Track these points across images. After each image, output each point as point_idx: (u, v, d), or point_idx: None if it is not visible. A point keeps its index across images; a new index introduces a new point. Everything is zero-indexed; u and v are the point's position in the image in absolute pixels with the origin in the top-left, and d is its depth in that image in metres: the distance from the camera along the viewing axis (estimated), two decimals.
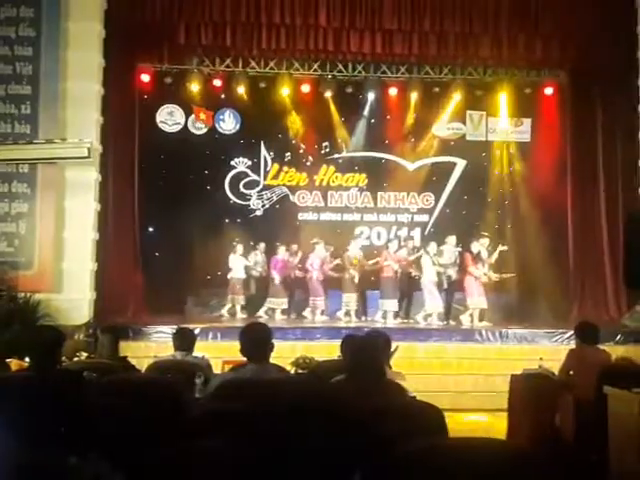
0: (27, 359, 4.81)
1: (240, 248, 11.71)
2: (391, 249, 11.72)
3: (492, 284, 11.40)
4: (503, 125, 12.69)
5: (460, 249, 11.42)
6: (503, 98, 12.36)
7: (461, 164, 12.91)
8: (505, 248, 11.34)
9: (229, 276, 11.61)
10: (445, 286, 11.37)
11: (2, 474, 2.07)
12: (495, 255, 11.22)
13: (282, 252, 11.72)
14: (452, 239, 11.53)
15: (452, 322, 11.15)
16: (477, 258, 11.11)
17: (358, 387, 3.22)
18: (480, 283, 11.05)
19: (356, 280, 11.52)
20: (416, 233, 12.84)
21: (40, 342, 3.81)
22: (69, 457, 2.21)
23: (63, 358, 4.56)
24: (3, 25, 9.51)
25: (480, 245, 11.22)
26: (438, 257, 11.34)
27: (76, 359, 5.72)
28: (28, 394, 3.02)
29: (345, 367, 3.81)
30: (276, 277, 11.60)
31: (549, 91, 12.31)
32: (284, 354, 5.84)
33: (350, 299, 11.49)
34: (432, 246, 11.57)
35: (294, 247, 11.89)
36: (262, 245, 11.94)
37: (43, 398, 3.07)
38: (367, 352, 3.61)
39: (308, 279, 11.66)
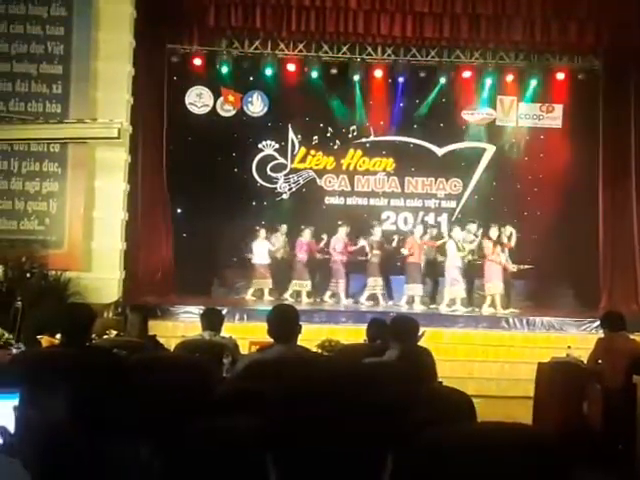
0: (58, 336, 4.88)
1: (263, 233, 11.72)
2: (416, 235, 11.66)
3: (518, 271, 11.30)
4: (534, 111, 12.52)
5: (480, 235, 11.33)
6: (535, 83, 12.17)
7: (490, 150, 12.77)
8: (513, 230, 11.16)
9: (253, 261, 11.65)
10: (467, 272, 11.30)
11: (39, 448, 2.10)
12: (513, 240, 11.09)
13: (307, 235, 11.72)
14: (473, 226, 11.46)
15: (476, 309, 11.08)
16: (497, 243, 11.01)
17: (406, 371, 3.22)
18: (499, 269, 10.95)
19: (378, 262, 11.49)
20: (443, 219, 12.76)
21: (72, 319, 3.86)
22: (103, 436, 2.24)
23: (93, 335, 4.62)
24: (35, 4, 9.59)
25: (500, 231, 11.11)
26: (464, 243, 11.28)
27: (106, 337, 5.80)
28: (60, 370, 3.07)
29: (394, 349, 3.80)
30: (301, 259, 11.62)
31: (581, 76, 12.09)
32: (309, 337, 5.86)
33: (375, 283, 11.48)
34: (457, 231, 11.51)
35: (321, 235, 11.85)
36: (284, 227, 11.94)
37: (74, 374, 3.12)
38: (415, 336, 3.63)
39: (332, 262, 11.67)
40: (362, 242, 11.72)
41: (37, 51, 9.60)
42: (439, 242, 11.66)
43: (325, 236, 11.86)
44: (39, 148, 9.59)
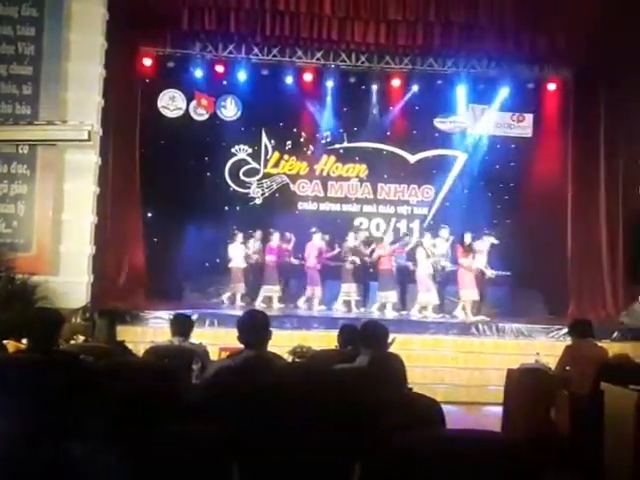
0: (24, 341, 4.79)
1: (240, 237, 11.68)
2: (386, 241, 11.69)
3: (489, 278, 11.41)
4: (505, 120, 12.67)
5: (451, 241, 11.42)
6: (506, 92, 12.33)
7: (462, 158, 12.91)
8: (496, 241, 11.28)
9: (230, 265, 11.59)
10: (439, 278, 11.39)
11: (3, 450, 2.07)
12: (487, 247, 11.19)
13: (276, 239, 11.68)
14: (445, 232, 11.54)
15: (447, 315, 11.15)
16: (469, 251, 11.09)
17: (376, 377, 3.22)
18: (473, 276, 11.05)
19: (356, 271, 11.51)
20: (415, 225, 12.84)
21: (39, 324, 3.79)
22: (69, 442, 2.21)
23: (60, 341, 4.54)
24: (6, 5, 9.43)
25: (473, 238, 11.20)
26: (432, 249, 11.35)
27: (73, 342, 5.72)
28: (26, 376, 3.01)
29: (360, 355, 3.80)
30: (270, 264, 11.57)
31: (552, 87, 12.27)
32: (281, 343, 5.83)
33: (350, 289, 11.48)
34: (427, 238, 11.58)
35: (287, 234, 11.85)
36: (259, 233, 11.90)
37: (41, 380, 3.06)
38: (385, 342, 3.63)
39: (305, 268, 11.65)
40: (337, 249, 11.72)
41: (7, 52, 9.43)
42: (407, 248, 11.72)
43: (293, 239, 11.82)
44: (8, 150, 9.42)
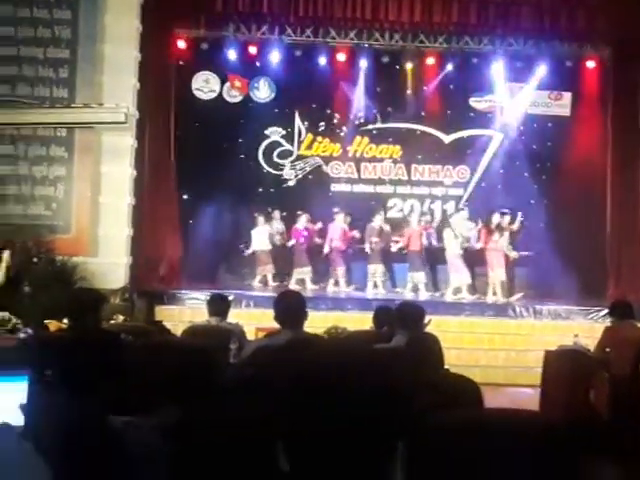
0: (65, 321, 4.89)
1: (261, 220, 11.68)
2: (414, 223, 11.61)
3: (524, 259, 11.28)
4: (542, 98, 12.43)
5: (480, 222, 11.29)
6: (543, 70, 12.08)
7: (498, 137, 12.71)
8: (521, 219, 11.11)
9: (253, 250, 11.63)
10: (468, 259, 11.28)
11: (49, 430, 2.11)
12: (516, 225, 11.06)
13: (303, 221, 11.65)
14: (472, 213, 11.43)
15: (482, 296, 11.05)
16: (496, 230, 10.97)
17: (414, 357, 3.22)
18: (500, 256, 10.93)
19: (378, 250, 11.46)
20: (450, 207, 12.71)
21: (80, 303, 3.86)
22: (113, 419, 2.24)
23: (100, 320, 4.62)
24: None
25: (499, 217, 11.07)
26: (461, 230, 11.24)
27: (113, 322, 5.81)
28: (68, 353, 3.06)
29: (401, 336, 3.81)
30: (300, 246, 11.58)
31: (591, 64, 11.99)
32: (315, 324, 5.85)
33: (376, 270, 11.46)
34: (455, 219, 11.47)
35: (319, 223, 11.77)
36: (277, 212, 11.89)
37: (82, 357, 3.12)
38: (421, 323, 3.63)
39: (329, 249, 11.62)
40: (356, 232, 11.63)
41: (44, 35, 9.56)
42: (434, 224, 11.64)
43: (320, 222, 11.79)
44: (46, 133, 9.57)
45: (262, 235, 11.63)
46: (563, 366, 5.83)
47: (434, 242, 11.61)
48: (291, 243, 11.56)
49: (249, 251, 11.66)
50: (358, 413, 1.44)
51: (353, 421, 1.41)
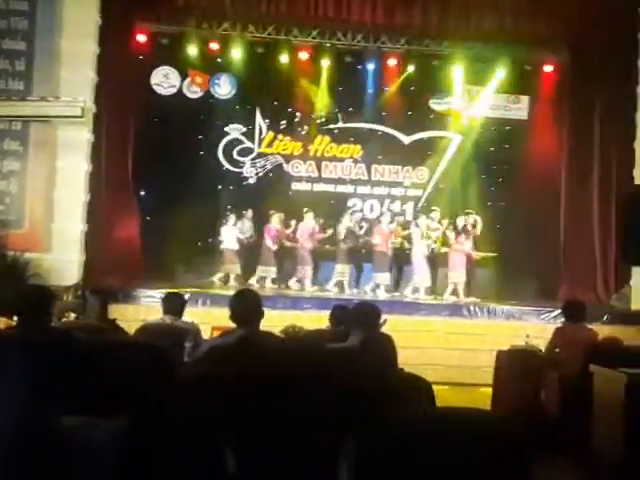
0: (15, 318, 4.78)
1: (232, 218, 11.65)
2: (383, 223, 11.70)
3: (481, 260, 11.47)
4: (501, 101, 12.63)
5: (445, 224, 11.46)
6: (502, 74, 12.27)
7: (457, 139, 12.87)
8: (479, 222, 11.28)
9: (222, 247, 11.58)
10: (431, 261, 11.45)
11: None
12: (478, 229, 11.25)
13: (276, 221, 11.66)
14: (436, 214, 11.58)
15: (439, 297, 11.22)
16: (461, 232, 11.16)
17: (367, 356, 3.24)
18: (463, 258, 11.11)
19: (351, 252, 11.56)
20: (409, 207, 12.83)
21: (31, 300, 3.78)
22: (62, 417, 2.21)
23: (52, 318, 4.53)
24: None
25: (464, 220, 11.27)
26: (428, 231, 11.40)
27: (64, 320, 5.71)
28: (19, 352, 3.00)
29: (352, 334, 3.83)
30: (269, 245, 11.57)
31: (549, 69, 12.23)
32: (273, 323, 5.84)
33: (344, 269, 11.52)
34: (422, 219, 11.61)
35: (292, 222, 11.82)
36: (249, 212, 11.87)
37: (34, 356, 3.06)
38: (377, 323, 3.65)
39: (297, 248, 11.65)
40: (330, 230, 11.72)
41: (0, 26, 9.34)
42: (404, 232, 11.76)
43: (293, 222, 11.84)
44: (0, 126, 9.36)
45: (231, 233, 11.57)
46: (514, 366, 5.94)
47: (401, 243, 11.71)
48: (267, 242, 11.52)
49: (221, 246, 11.55)
50: (307, 412, 1.45)
51: (301, 420, 1.42)
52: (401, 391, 2.91)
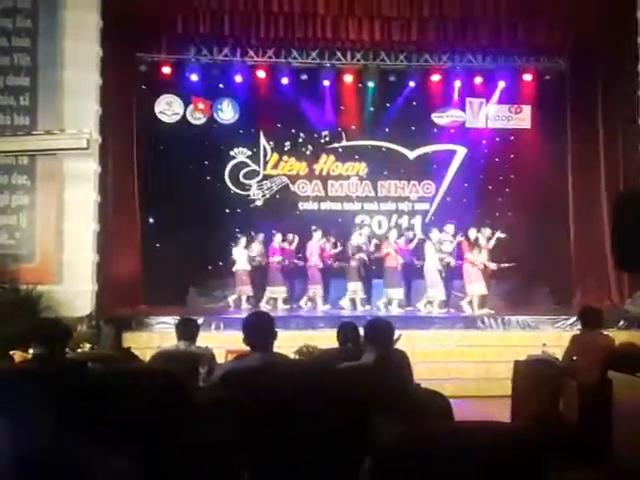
0: (31, 351, 4.80)
1: (243, 240, 11.70)
2: (391, 238, 11.69)
3: (493, 271, 11.41)
4: (503, 112, 12.66)
5: (458, 237, 11.43)
6: (503, 85, 12.32)
7: (461, 152, 12.89)
8: (503, 235, 11.32)
9: (234, 269, 11.62)
10: (445, 274, 11.40)
11: (11, 466, 2.06)
12: (493, 241, 11.22)
13: (278, 240, 11.70)
14: (450, 227, 11.57)
15: (452, 310, 11.17)
16: (475, 245, 11.13)
17: (382, 373, 3.23)
18: (478, 270, 11.08)
19: (362, 269, 11.55)
20: (417, 221, 12.83)
21: (49, 334, 3.80)
22: (78, 450, 2.21)
23: (67, 350, 4.55)
24: (0, 16, 9.45)
25: (478, 232, 11.24)
26: (440, 245, 11.37)
27: (79, 350, 5.72)
28: (37, 385, 3.01)
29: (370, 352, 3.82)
30: (274, 265, 11.58)
31: (548, 77, 12.26)
32: (286, 343, 5.83)
33: (356, 287, 11.50)
34: (434, 233, 11.60)
35: (290, 235, 11.88)
36: (261, 235, 11.91)
37: (49, 389, 3.07)
38: (391, 339, 3.64)
39: (307, 267, 11.65)
40: (339, 247, 11.72)
41: (3, 63, 9.46)
42: (412, 244, 11.73)
43: (296, 237, 11.83)
44: (7, 161, 9.44)
45: (242, 255, 11.61)
46: (532, 376, 5.89)
47: (414, 258, 11.69)
48: (271, 260, 11.56)
49: (234, 267, 11.59)
50: (324, 433, 1.45)
51: (318, 442, 1.42)
52: (418, 407, 2.90)
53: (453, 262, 11.38)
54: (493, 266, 11.24)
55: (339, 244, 11.82)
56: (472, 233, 11.25)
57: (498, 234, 11.29)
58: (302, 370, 1.65)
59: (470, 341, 9.48)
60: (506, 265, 11.55)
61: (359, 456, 1.48)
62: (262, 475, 1.47)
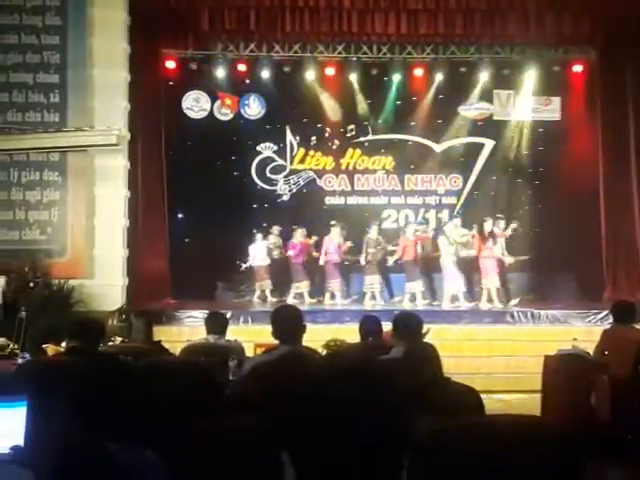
0: (63, 344, 4.88)
1: (259, 236, 11.73)
2: (408, 233, 11.62)
3: (517, 263, 11.30)
4: (532, 104, 12.50)
5: (474, 229, 11.32)
6: (531, 76, 12.17)
7: (489, 144, 12.76)
8: (516, 225, 11.18)
9: (252, 264, 11.66)
10: (463, 267, 11.31)
11: (47, 456, 2.10)
12: (508, 232, 11.11)
13: (299, 235, 11.69)
14: (466, 220, 11.49)
15: (478, 303, 11.08)
16: (490, 237, 11.03)
17: (413, 367, 3.21)
18: (494, 263, 10.97)
19: (379, 262, 11.50)
20: (444, 215, 12.74)
21: (86, 328, 3.88)
22: (110, 443, 2.24)
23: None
24: (30, 14, 9.60)
25: (493, 225, 11.13)
26: (455, 237, 11.28)
27: (111, 344, 5.80)
28: (68, 379, 3.06)
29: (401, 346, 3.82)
30: (296, 260, 11.60)
31: (578, 69, 12.08)
32: (314, 337, 5.84)
33: (373, 281, 11.46)
34: (449, 226, 11.52)
35: (309, 230, 11.82)
36: (277, 228, 11.91)
37: (83, 383, 3.11)
38: (420, 333, 3.63)
39: (325, 262, 11.64)
40: (349, 242, 11.66)
41: (33, 60, 9.61)
42: (429, 234, 11.67)
43: (316, 235, 11.83)
44: (38, 158, 9.60)
45: (260, 250, 11.65)
46: (563, 371, 5.82)
47: (429, 251, 11.62)
48: (294, 257, 11.56)
49: (247, 265, 11.65)
50: (363, 426, 1.45)
51: (357, 432, 1.42)
52: (450, 401, 2.89)
53: (469, 254, 11.26)
54: (509, 259, 11.13)
55: (357, 238, 11.73)
56: (487, 225, 11.14)
57: (513, 225, 11.17)
58: (332, 364, 1.65)
59: (499, 335, 9.41)
60: (521, 258, 11.41)
61: (399, 451, 1.48)
62: (303, 467, 1.46)
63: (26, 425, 2.39)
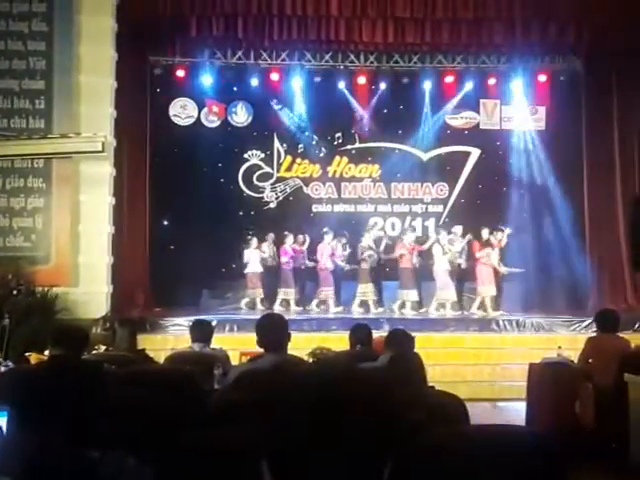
0: (47, 352, 4.84)
1: (254, 242, 11.71)
2: (406, 240, 11.65)
3: (507, 273, 11.35)
4: (517, 113, 12.59)
5: (468, 238, 11.36)
6: (517, 86, 12.26)
7: (475, 153, 12.83)
8: (509, 231, 11.23)
9: (246, 271, 11.62)
10: (456, 275, 11.34)
11: (26, 464, 2.08)
12: (504, 240, 11.16)
13: (290, 242, 11.69)
14: (459, 228, 11.51)
15: (465, 312, 11.11)
16: (486, 245, 11.07)
17: (396, 375, 3.22)
18: (491, 271, 11.00)
19: (373, 270, 11.52)
20: (430, 223, 12.78)
21: (70, 335, 3.84)
22: (91, 452, 2.22)
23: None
24: (16, 20, 9.53)
25: (490, 234, 11.18)
26: (449, 246, 11.31)
27: (94, 352, 5.75)
28: (51, 387, 3.04)
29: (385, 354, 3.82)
30: (285, 267, 11.59)
31: (563, 78, 12.18)
32: (300, 345, 5.83)
33: (367, 289, 11.46)
34: (443, 235, 11.55)
35: (300, 237, 11.86)
36: (271, 235, 11.89)
37: (66, 390, 3.09)
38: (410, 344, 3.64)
39: (318, 269, 11.63)
40: (348, 250, 11.69)
41: (19, 67, 9.53)
42: (426, 245, 11.69)
43: (307, 238, 11.82)
44: (23, 164, 9.51)
45: (254, 257, 11.62)
46: (547, 379, 5.85)
47: (423, 259, 11.65)
48: (284, 263, 11.55)
49: (245, 270, 11.61)
50: (341, 436, 1.44)
51: (339, 440, 1.41)
52: (433, 409, 2.89)
53: (464, 263, 11.31)
54: (503, 270, 11.18)
55: (349, 246, 11.77)
56: (484, 233, 11.18)
57: (507, 231, 11.22)
58: (318, 372, 1.64)
59: (485, 343, 9.44)
60: (514, 270, 11.45)
61: (381, 459, 1.47)
62: (279, 474, 1.45)
63: (6, 433, 2.36)
